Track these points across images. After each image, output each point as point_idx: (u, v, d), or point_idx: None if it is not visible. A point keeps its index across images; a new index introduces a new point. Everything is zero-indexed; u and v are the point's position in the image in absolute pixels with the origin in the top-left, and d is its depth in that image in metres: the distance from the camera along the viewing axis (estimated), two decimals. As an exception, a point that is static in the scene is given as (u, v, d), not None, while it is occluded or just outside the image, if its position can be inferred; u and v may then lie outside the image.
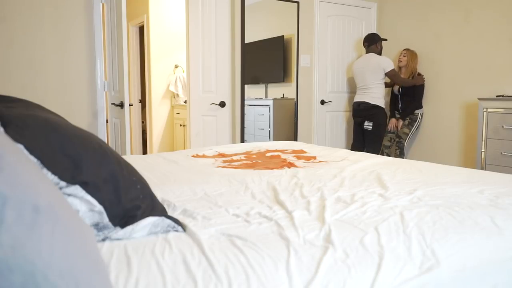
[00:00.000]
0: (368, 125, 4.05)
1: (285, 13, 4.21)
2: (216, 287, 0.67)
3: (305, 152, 2.30)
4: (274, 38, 4.35)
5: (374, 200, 1.21)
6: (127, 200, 0.90)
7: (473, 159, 3.67)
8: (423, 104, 4.20)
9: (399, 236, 0.90)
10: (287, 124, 4.29)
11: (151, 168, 1.78)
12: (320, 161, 2.02)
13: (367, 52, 4.16)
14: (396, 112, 4.27)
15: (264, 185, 1.44)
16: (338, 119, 4.53)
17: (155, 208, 0.97)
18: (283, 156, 2.17)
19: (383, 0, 4.63)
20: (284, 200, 1.22)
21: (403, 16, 4.42)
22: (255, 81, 4.45)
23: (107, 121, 3.40)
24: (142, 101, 5.76)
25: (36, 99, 2.42)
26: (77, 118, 3.12)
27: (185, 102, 4.92)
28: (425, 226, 0.97)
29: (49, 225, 0.47)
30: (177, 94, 5.32)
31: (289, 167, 1.83)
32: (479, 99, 3.42)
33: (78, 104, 3.17)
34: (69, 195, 0.81)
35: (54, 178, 0.80)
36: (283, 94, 4.35)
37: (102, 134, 3.25)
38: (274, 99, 4.30)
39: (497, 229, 0.98)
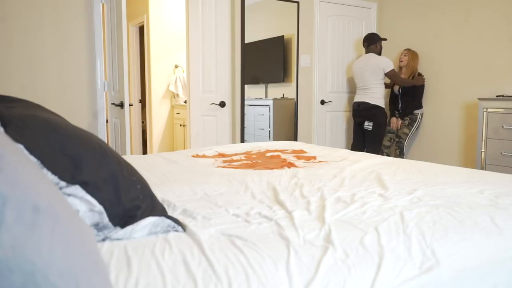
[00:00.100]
0: (368, 125, 4.05)
1: (285, 13, 4.21)
2: (216, 287, 0.67)
3: (305, 152, 2.30)
4: (274, 38, 4.35)
5: (374, 200, 1.21)
6: (127, 200, 0.90)
7: (473, 159, 3.67)
8: (423, 104, 4.20)
9: (399, 236, 0.90)
10: (287, 124, 4.29)
11: (151, 168, 1.78)
12: (320, 161, 2.02)
13: (366, 52, 4.16)
14: (396, 112, 4.27)
15: (264, 185, 1.44)
16: (338, 119, 4.53)
17: (155, 208, 0.97)
18: (283, 156, 2.17)
19: (383, 0, 4.63)
20: (284, 200, 1.22)
21: (403, 16, 4.42)
22: (255, 81, 4.45)
23: (107, 121, 3.40)
24: (142, 101, 5.76)
25: (36, 99, 2.42)
26: (77, 118, 3.12)
27: (185, 102, 4.92)
28: (425, 226, 0.97)
29: (49, 225, 0.47)
30: (177, 94, 5.32)
31: (289, 167, 1.83)
32: (479, 99, 3.42)
33: (78, 104, 3.17)
34: (69, 195, 0.81)
35: (54, 178, 0.80)
36: (283, 94, 4.35)
37: (102, 134, 3.25)
38: (274, 99, 4.30)
39: (497, 229, 0.98)
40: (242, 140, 3.79)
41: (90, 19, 3.16)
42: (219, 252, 0.80)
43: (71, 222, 0.54)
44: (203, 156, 2.18)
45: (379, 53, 4.15)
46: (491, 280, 0.85)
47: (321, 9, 4.28)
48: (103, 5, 3.29)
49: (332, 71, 4.42)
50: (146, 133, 5.59)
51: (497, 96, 3.45)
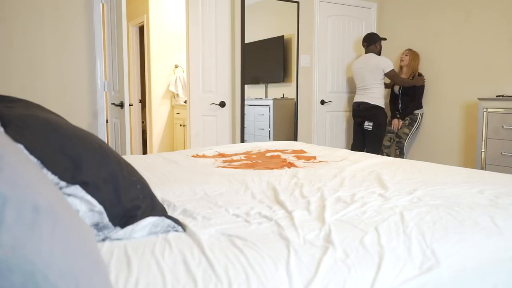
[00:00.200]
0: (368, 125, 4.05)
1: (285, 13, 4.21)
2: (216, 287, 0.67)
3: (305, 152, 2.30)
4: (274, 38, 4.35)
5: (374, 200, 1.21)
6: (127, 200, 0.90)
7: (473, 159, 3.67)
8: (423, 104, 4.20)
9: (399, 236, 0.90)
10: (287, 124, 4.29)
11: (151, 168, 1.78)
12: (320, 161, 2.02)
13: (366, 52, 4.16)
14: (396, 112, 4.27)
15: (264, 185, 1.44)
16: (338, 119, 4.53)
17: (155, 208, 0.97)
18: (283, 156, 2.17)
19: (383, 0, 4.63)
20: (284, 200, 1.22)
21: (403, 16, 4.42)
22: (255, 81, 4.45)
23: (107, 121, 3.40)
24: (142, 101, 5.76)
25: (36, 99, 2.42)
26: (77, 118, 3.12)
27: (185, 102, 4.92)
28: (425, 226, 0.97)
29: (49, 225, 0.47)
30: (177, 94, 5.32)
31: (289, 167, 1.83)
32: (479, 99, 3.42)
33: (78, 104, 3.17)
34: (69, 195, 0.81)
35: (54, 178, 0.80)
36: (283, 94, 4.35)
37: (102, 134, 3.25)
38: (274, 99, 4.30)
39: (497, 229, 0.98)
40: (242, 140, 3.79)
41: (90, 19, 3.16)
42: (219, 252, 0.80)
43: (71, 222, 0.54)
44: (203, 156, 2.18)
45: (379, 53, 4.15)
46: (491, 280, 0.85)
47: (321, 9, 4.28)
48: (103, 5, 3.29)
49: (332, 71, 4.42)
50: (146, 133, 5.59)
51: (497, 96, 3.45)
